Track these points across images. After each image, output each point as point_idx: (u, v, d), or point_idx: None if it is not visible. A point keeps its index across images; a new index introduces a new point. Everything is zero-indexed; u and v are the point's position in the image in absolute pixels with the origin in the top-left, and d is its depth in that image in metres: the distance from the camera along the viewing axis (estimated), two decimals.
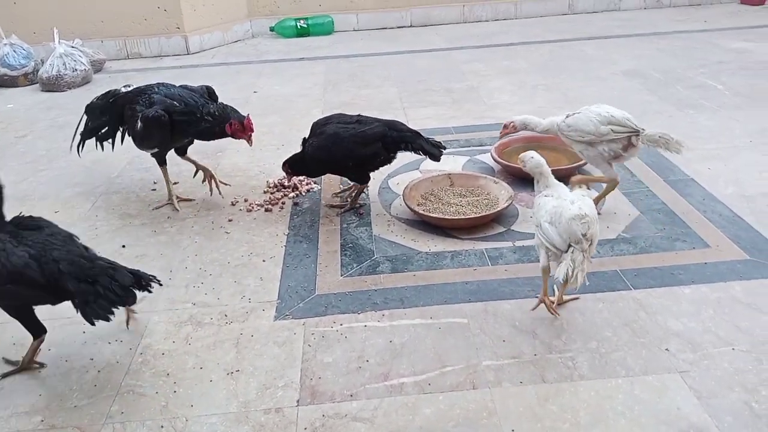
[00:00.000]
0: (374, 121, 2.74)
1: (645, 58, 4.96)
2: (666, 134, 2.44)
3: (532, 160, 2.06)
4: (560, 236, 1.90)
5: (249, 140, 2.77)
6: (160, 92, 2.79)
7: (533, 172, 2.07)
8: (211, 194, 3.00)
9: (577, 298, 2.12)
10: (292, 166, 2.82)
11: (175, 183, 3.10)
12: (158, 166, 2.97)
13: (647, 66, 4.73)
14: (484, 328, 2.02)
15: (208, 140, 2.88)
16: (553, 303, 2.06)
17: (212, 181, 2.99)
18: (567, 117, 2.58)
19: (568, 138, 2.58)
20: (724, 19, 6.13)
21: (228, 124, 2.71)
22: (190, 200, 3.04)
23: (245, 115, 2.76)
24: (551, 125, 2.61)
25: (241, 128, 2.72)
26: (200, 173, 3.02)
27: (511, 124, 2.68)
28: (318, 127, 2.79)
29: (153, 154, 2.93)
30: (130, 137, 2.88)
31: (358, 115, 2.81)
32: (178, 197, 2.98)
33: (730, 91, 4.06)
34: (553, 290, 2.14)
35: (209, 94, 2.90)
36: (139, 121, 2.70)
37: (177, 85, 2.91)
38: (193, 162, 3.01)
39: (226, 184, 3.08)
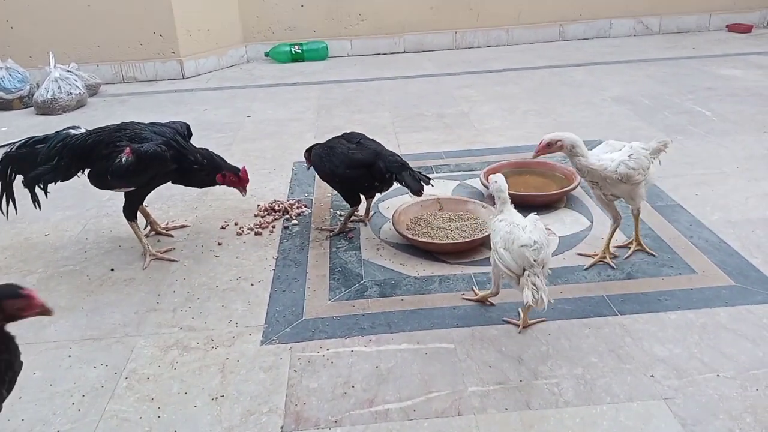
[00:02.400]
0: (371, 147, 2.78)
1: (634, 84, 5.03)
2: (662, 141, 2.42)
3: (496, 183, 2.13)
4: (515, 261, 1.99)
5: (243, 191, 2.78)
6: (147, 129, 2.66)
7: (495, 194, 2.13)
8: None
9: (543, 321, 2.14)
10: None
11: (163, 228, 2.97)
12: (127, 220, 2.74)
13: (636, 92, 4.80)
14: (470, 353, 2.02)
15: (189, 186, 2.81)
16: (518, 326, 2.13)
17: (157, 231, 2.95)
18: (627, 160, 2.32)
19: (616, 179, 2.32)
20: (712, 46, 6.23)
21: (221, 174, 2.72)
22: (185, 226, 3.01)
23: (239, 167, 2.76)
24: (601, 167, 2.33)
25: (237, 180, 2.74)
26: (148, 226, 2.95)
27: (558, 142, 2.34)
28: (334, 138, 2.89)
29: (127, 203, 2.72)
30: (96, 177, 2.65)
31: (369, 139, 2.87)
32: (153, 254, 2.72)
33: (718, 118, 4.12)
34: (518, 313, 2.17)
35: (187, 131, 2.80)
36: (129, 156, 2.51)
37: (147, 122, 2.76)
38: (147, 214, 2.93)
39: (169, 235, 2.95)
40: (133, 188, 2.67)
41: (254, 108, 4.96)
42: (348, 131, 2.97)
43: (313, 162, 2.88)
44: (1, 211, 2.74)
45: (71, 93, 5.27)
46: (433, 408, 1.80)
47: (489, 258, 2.55)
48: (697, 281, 2.34)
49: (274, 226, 2.96)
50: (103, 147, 2.59)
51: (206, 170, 2.70)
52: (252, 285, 2.49)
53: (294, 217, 3.05)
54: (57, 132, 2.73)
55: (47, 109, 5.18)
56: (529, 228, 2.03)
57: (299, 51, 6.60)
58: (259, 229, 2.93)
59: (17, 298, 1.32)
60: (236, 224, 2.99)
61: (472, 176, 3.37)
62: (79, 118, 5.05)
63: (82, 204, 3.35)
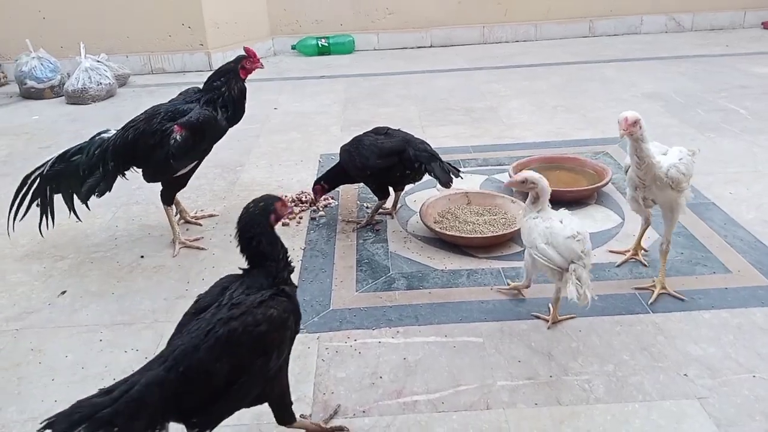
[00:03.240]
0: (400, 136, 2.77)
1: (666, 81, 4.94)
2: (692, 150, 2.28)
3: (542, 180, 2.05)
4: (560, 255, 1.96)
5: (257, 63, 2.83)
6: (174, 105, 2.68)
7: (540, 193, 2.04)
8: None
9: (572, 317, 2.12)
10: (328, 181, 2.88)
11: (192, 216, 2.99)
12: (164, 205, 2.75)
13: (668, 89, 4.72)
14: (499, 348, 2.00)
15: (235, 111, 2.76)
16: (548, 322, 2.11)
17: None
18: (677, 163, 2.15)
19: (666, 182, 2.12)
20: (746, 44, 6.10)
21: (241, 69, 2.75)
22: (214, 215, 3.03)
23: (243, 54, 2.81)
24: (657, 164, 2.13)
25: (250, 60, 2.79)
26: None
27: (638, 122, 2.07)
28: (358, 135, 2.87)
29: (168, 189, 2.74)
30: (154, 169, 2.66)
31: (396, 130, 2.86)
32: (183, 242, 2.75)
33: (753, 116, 4.03)
34: (548, 308, 2.15)
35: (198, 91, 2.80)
36: (181, 132, 2.53)
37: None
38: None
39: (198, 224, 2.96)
40: (194, 164, 2.72)
41: (281, 100, 4.97)
42: (373, 126, 2.96)
43: (342, 159, 2.83)
44: (40, 230, 2.68)
45: (101, 83, 5.33)
46: (462, 401, 1.79)
47: (518, 253, 2.55)
48: (732, 281, 2.29)
49: (301, 217, 2.97)
50: (148, 138, 2.57)
51: (230, 80, 2.72)
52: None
53: (321, 209, 3.05)
54: (90, 140, 2.70)
55: (77, 98, 5.25)
56: (566, 220, 2.01)
57: (326, 44, 6.60)
58: (287, 220, 2.94)
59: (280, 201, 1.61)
60: None
61: (500, 171, 3.34)
62: (108, 108, 5.12)
63: (112, 192, 3.37)
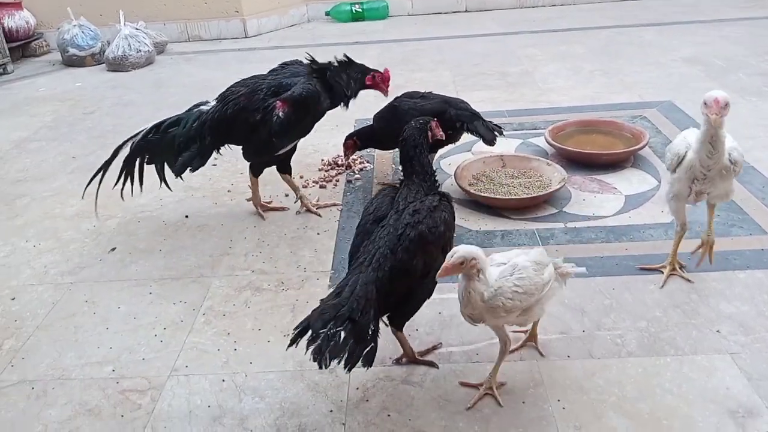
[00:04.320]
0: (438, 98, 2.77)
1: (707, 45, 4.82)
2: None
3: (479, 252, 1.56)
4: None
5: (387, 91, 2.73)
6: (277, 77, 2.54)
7: (481, 266, 1.56)
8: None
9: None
10: (361, 138, 2.90)
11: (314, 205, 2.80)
12: (251, 176, 2.69)
13: (709, 53, 4.61)
14: None
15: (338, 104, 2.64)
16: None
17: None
18: (737, 146, 1.97)
19: (730, 168, 1.94)
20: None
21: (370, 75, 2.65)
22: (284, 209, 2.81)
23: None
24: (723, 154, 1.90)
25: (382, 78, 2.68)
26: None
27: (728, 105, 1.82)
28: (392, 100, 2.85)
29: (272, 161, 2.65)
30: (256, 147, 2.56)
31: (428, 92, 2.84)
32: (264, 205, 2.77)
33: None
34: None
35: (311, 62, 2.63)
36: (283, 109, 2.42)
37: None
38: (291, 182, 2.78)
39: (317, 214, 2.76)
40: (295, 142, 2.63)
41: None
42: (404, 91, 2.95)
43: (377, 126, 2.84)
44: (122, 195, 2.61)
45: (140, 50, 5.43)
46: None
47: (553, 214, 2.57)
48: None
49: (338, 180, 3.03)
50: (248, 115, 2.45)
51: (355, 73, 2.62)
52: (318, 234, 2.57)
53: (357, 172, 3.10)
54: (187, 111, 2.61)
55: (118, 65, 5.37)
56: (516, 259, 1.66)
57: (359, 10, 6.59)
58: (324, 183, 3.01)
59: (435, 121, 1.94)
60: (301, 177, 3.07)
61: (536, 135, 3.34)
62: (147, 75, 5.23)
63: None
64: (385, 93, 2.75)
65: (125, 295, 2.26)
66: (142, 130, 2.60)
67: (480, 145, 3.25)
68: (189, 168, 2.58)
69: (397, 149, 2.98)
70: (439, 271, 1.54)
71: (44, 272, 2.44)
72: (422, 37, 5.77)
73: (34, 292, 2.32)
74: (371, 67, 2.73)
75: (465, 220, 2.60)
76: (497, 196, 2.66)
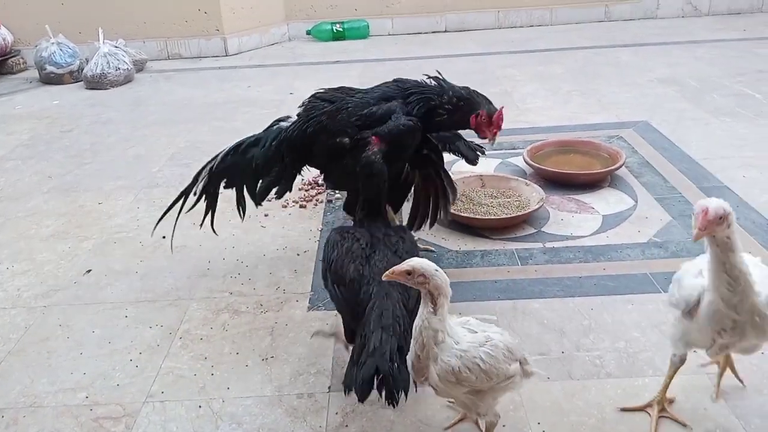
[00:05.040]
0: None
1: (681, 66, 4.92)
2: None
3: (437, 275, 1.38)
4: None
5: (493, 138, 2.17)
6: (365, 97, 2.22)
7: (434, 290, 1.39)
8: None
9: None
10: None
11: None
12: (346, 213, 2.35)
13: (683, 73, 4.70)
14: (512, 325, 2.05)
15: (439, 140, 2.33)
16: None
17: None
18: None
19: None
20: (764, 28, 6.04)
21: (475, 114, 2.12)
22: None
23: (497, 107, 2.17)
24: (749, 290, 1.38)
25: (488, 122, 2.13)
26: None
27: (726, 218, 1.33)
28: None
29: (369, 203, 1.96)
30: (338, 177, 2.26)
31: None
32: None
33: None
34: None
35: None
36: (379, 146, 1.99)
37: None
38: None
39: None
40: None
41: (297, 85, 5.01)
42: None
43: None
44: (213, 229, 2.40)
45: (119, 68, 5.40)
46: None
47: (532, 234, 2.59)
48: None
49: (318, 200, 3.02)
50: (329, 137, 2.13)
51: (462, 109, 2.14)
52: (298, 255, 2.55)
53: (338, 191, 3.10)
54: (267, 129, 2.33)
55: (96, 83, 5.33)
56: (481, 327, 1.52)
57: (340, 29, 6.63)
58: (304, 202, 3.00)
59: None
60: None
61: (514, 155, 3.37)
62: (126, 93, 5.19)
63: (133, 175, 3.46)
64: (491, 140, 2.17)
65: (100, 319, 2.22)
66: (220, 153, 2.31)
67: (459, 165, 3.26)
68: (273, 194, 2.29)
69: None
70: (385, 273, 1.39)
71: (17, 295, 2.39)
72: (403, 56, 5.81)
73: (6, 316, 2.27)
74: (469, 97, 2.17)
75: (445, 240, 2.61)
76: (477, 216, 2.67)
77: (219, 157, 2.32)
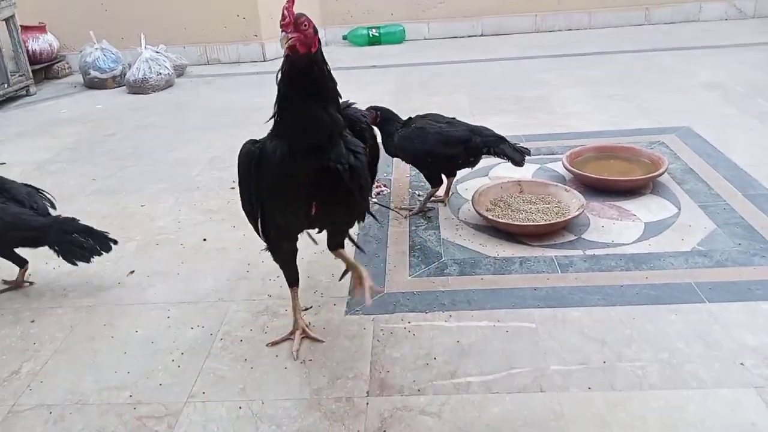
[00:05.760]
0: (463, 125, 2.83)
1: (725, 70, 4.81)
2: None
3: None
4: None
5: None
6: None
7: None
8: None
9: None
10: (383, 114, 2.92)
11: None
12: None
13: (728, 78, 4.59)
14: (552, 333, 2.03)
15: None
16: None
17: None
18: None
19: None
20: None
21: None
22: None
23: None
24: None
25: None
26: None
27: None
28: (413, 120, 2.91)
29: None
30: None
31: (452, 118, 2.91)
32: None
33: None
34: None
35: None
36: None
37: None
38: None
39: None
40: None
41: None
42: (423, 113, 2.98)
43: (399, 144, 2.86)
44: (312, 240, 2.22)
45: (161, 73, 5.52)
46: (515, 383, 1.82)
47: (572, 241, 2.56)
48: None
49: None
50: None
51: None
52: (335, 259, 2.56)
53: (374, 197, 3.11)
54: None
55: (138, 88, 5.46)
56: None
57: (376, 34, 6.65)
58: None
59: None
60: None
61: (553, 160, 3.33)
62: (167, 97, 5.31)
63: (173, 178, 3.52)
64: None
65: (143, 320, 2.27)
66: None
67: (497, 170, 3.26)
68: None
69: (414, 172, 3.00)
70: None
71: (64, 295, 2.46)
72: (439, 61, 5.81)
73: (53, 315, 2.33)
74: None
75: (483, 246, 2.59)
76: (515, 222, 2.65)
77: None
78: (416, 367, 1.92)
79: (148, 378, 1.96)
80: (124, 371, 2.01)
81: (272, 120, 1.73)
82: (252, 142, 1.81)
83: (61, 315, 2.33)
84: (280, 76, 1.67)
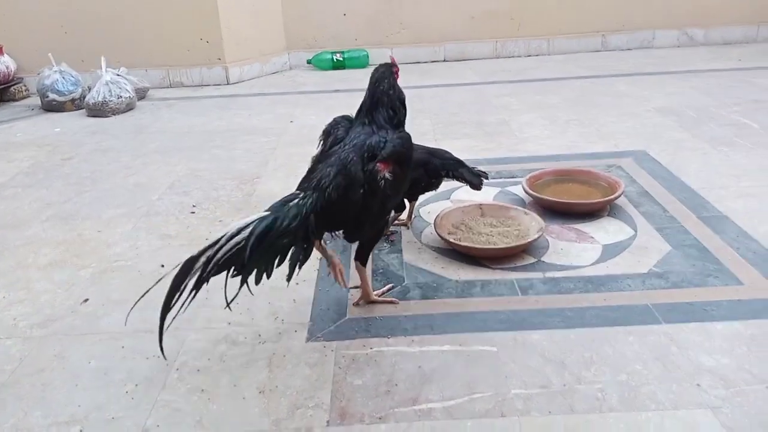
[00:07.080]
0: (422, 149, 2.83)
1: (678, 96, 4.97)
2: None
3: None
4: None
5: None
6: (355, 140, 2.26)
7: None
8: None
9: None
10: None
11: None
12: (361, 266, 2.31)
13: (680, 103, 4.74)
14: (513, 357, 2.03)
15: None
16: None
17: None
18: None
19: None
20: (759, 58, 6.11)
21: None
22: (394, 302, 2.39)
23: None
24: None
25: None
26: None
27: None
28: None
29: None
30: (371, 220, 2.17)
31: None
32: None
33: (766, 130, 4.04)
34: None
35: None
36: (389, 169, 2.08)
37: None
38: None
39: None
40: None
41: (297, 114, 5.05)
42: None
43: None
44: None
45: (121, 96, 5.44)
46: (477, 408, 1.82)
47: (532, 264, 2.58)
48: (745, 292, 2.31)
49: None
50: (354, 192, 2.03)
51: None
52: (297, 284, 2.54)
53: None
54: (274, 212, 1.94)
55: (98, 111, 5.37)
56: None
57: (340, 59, 6.70)
58: None
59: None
60: None
61: (513, 183, 3.37)
62: (127, 120, 5.23)
63: (132, 203, 3.45)
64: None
65: (97, 349, 2.20)
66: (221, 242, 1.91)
67: (458, 193, 3.29)
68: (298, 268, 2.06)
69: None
70: None
71: (13, 325, 2.37)
72: (402, 86, 5.82)
73: (1, 347, 2.24)
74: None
75: (445, 269, 2.60)
76: (476, 246, 2.66)
77: (222, 248, 1.93)
78: (378, 395, 1.89)
79: (100, 411, 1.89)
80: (75, 405, 1.93)
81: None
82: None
83: (9, 346, 2.24)
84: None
